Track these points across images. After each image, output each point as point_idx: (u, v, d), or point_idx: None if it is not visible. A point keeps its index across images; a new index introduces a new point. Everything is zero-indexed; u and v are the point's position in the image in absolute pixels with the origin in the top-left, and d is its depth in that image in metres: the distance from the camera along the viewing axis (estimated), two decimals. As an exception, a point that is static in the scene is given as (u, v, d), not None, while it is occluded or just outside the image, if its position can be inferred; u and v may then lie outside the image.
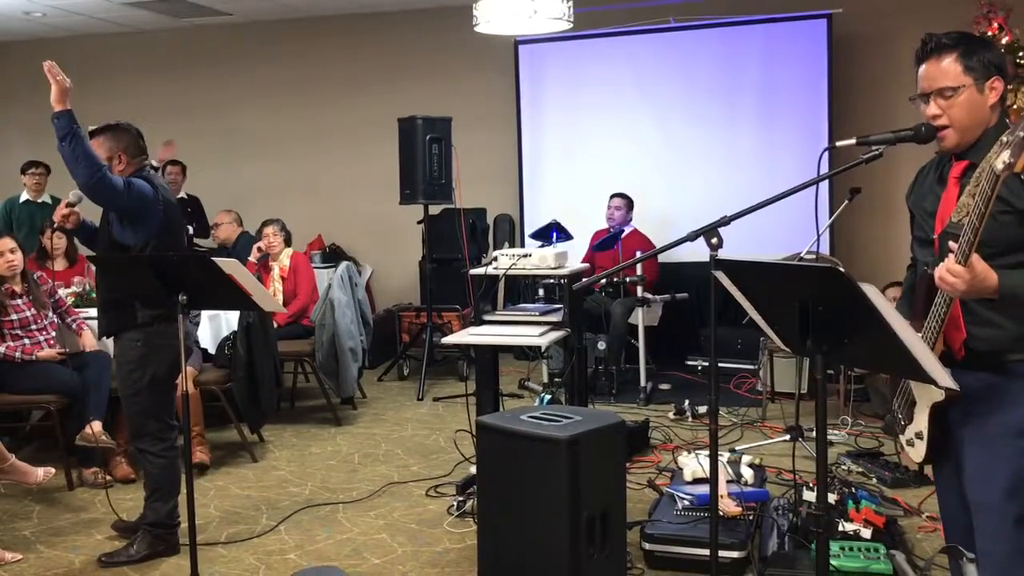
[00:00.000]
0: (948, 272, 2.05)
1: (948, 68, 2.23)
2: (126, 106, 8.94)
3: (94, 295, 5.42)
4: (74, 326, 4.94)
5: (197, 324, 5.14)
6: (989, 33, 5.87)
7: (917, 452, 2.41)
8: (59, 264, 5.88)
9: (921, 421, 2.36)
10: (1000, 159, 1.91)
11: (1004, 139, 1.92)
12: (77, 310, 5.08)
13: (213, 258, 3.20)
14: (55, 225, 3.87)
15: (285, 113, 8.99)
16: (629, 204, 6.99)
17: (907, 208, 2.50)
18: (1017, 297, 2.09)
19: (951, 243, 2.07)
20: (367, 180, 8.61)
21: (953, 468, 2.37)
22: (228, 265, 3.17)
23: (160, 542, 3.81)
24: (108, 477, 4.71)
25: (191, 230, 7.66)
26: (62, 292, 5.22)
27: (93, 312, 5.22)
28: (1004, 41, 5.81)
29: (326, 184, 8.90)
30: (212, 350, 5.34)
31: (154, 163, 7.33)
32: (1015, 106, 5.67)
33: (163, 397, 3.81)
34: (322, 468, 5.00)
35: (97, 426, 4.56)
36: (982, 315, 2.21)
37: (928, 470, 2.56)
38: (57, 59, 3.42)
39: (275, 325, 5.66)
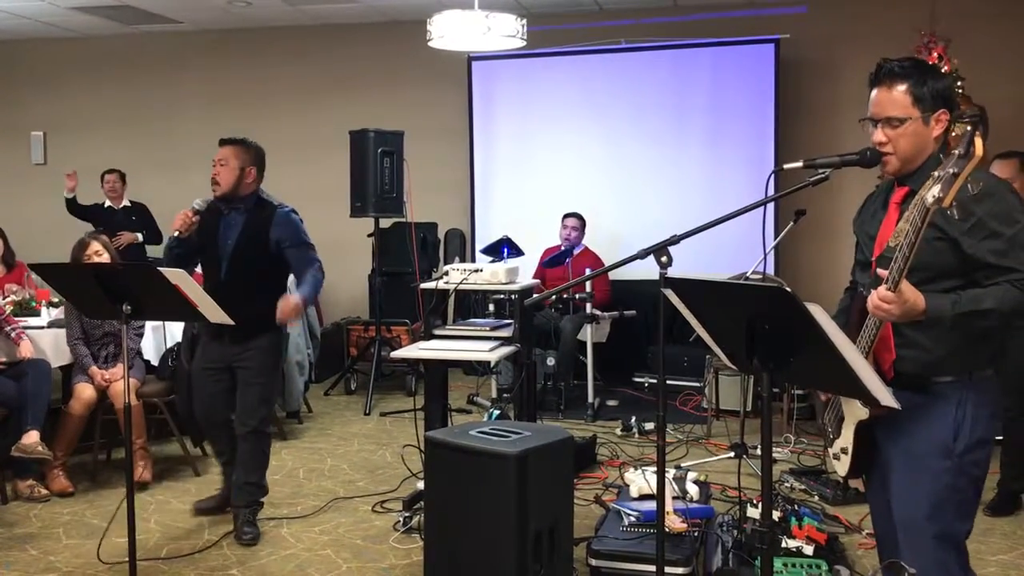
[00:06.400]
0: (881, 300, 2.13)
1: (898, 98, 2.30)
2: (73, 112, 8.84)
3: (34, 304, 5.30)
4: (13, 334, 4.80)
5: (141, 335, 5.04)
6: (929, 63, 6.04)
7: (842, 466, 2.50)
8: (-4, 271, 5.74)
9: (847, 437, 2.43)
10: (931, 193, 1.98)
11: (936, 174, 1.99)
12: (16, 319, 4.94)
13: (159, 267, 3.15)
14: (176, 233, 3.95)
15: (234, 122, 8.82)
16: (583, 224, 7.04)
17: (854, 232, 2.57)
18: (942, 319, 2.17)
19: (880, 271, 2.14)
20: (317, 192, 8.52)
21: (881, 485, 2.44)
22: (174, 275, 3.12)
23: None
24: (44, 491, 4.59)
25: (140, 237, 7.55)
26: (0, 300, 5.09)
27: (32, 320, 5.11)
28: (943, 71, 5.99)
29: (275, 195, 8.76)
30: (155, 362, 5.24)
31: (66, 194, 7.33)
32: (954, 133, 5.83)
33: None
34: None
35: (34, 436, 4.45)
36: (911, 338, 2.29)
37: (859, 483, 2.64)
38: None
39: (221, 337, 5.57)
